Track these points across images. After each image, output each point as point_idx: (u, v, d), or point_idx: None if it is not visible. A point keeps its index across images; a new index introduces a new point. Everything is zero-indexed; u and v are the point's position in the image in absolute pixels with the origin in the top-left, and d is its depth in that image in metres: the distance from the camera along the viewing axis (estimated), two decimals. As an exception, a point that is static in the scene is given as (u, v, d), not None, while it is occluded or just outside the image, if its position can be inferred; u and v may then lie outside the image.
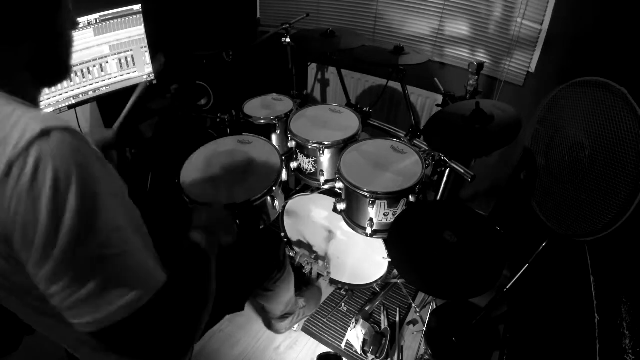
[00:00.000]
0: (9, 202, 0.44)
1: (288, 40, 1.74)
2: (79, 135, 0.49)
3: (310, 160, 1.48)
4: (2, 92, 0.51)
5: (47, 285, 0.47)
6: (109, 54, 1.41)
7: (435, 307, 1.48)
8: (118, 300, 0.50)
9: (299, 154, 1.52)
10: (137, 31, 1.47)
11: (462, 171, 1.26)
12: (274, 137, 1.63)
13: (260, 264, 1.19)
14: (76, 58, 1.32)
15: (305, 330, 1.61)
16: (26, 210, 0.44)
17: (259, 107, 1.69)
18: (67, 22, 0.59)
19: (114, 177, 0.57)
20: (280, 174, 1.27)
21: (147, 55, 1.54)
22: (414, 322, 1.64)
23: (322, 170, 1.49)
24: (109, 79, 1.45)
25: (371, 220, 1.30)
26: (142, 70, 1.55)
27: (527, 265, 1.26)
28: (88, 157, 0.49)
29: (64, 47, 0.60)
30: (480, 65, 1.37)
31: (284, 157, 1.41)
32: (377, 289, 1.71)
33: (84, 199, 0.46)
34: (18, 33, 0.52)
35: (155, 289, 0.54)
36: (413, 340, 1.57)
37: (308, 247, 1.68)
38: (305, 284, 1.72)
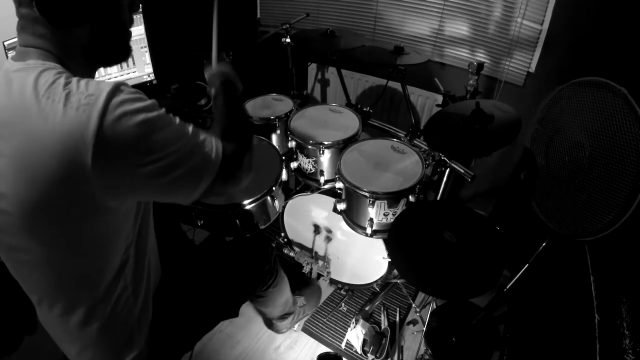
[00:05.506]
0: (105, 140, 0.56)
1: (288, 40, 1.74)
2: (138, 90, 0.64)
3: (310, 160, 1.48)
4: (62, 67, 0.62)
5: (147, 180, 0.62)
6: (109, 54, 1.41)
7: (435, 307, 1.48)
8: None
9: (299, 154, 1.51)
10: (137, 31, 1.47)
11: (462, 171, 1.26)
12: (274, 137, 1.63)
13: (251, 272, 1.16)
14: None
15: (305, 330, 1.61)
16: (120, 137, 0.58)
17: (259, 107, 1.69)
18: (126, 5, 0.68)
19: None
20: (280, 174, 1.27)
21: (147, 55, 1.54)
22: (414, 322, 1.64)
23: (322, 170, 1.49)
24: (108, 79, 1.45)
25: (371, 220, 1.30)
26: (142, 70, 1.56)
27: (527, 265, 1.26)
28: (148, 99, 0.64)
29: (122, 29, 0.70)
30: (480, 65, 1.37)
31: (284, 157, 1.41)
32: (377, 289, 1.71)
33: (162, 125, 0.63)
34: (75, 18, 0.61)
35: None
36: (413, 340, 1.57)
37: (308, 247, 1.68)
38: (305, 283, 1.72)
